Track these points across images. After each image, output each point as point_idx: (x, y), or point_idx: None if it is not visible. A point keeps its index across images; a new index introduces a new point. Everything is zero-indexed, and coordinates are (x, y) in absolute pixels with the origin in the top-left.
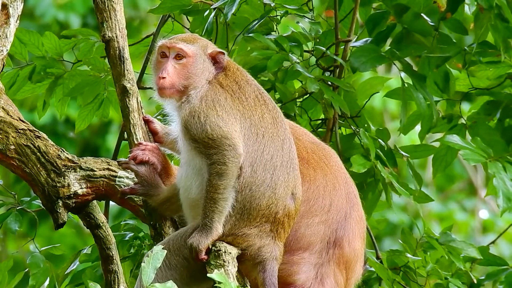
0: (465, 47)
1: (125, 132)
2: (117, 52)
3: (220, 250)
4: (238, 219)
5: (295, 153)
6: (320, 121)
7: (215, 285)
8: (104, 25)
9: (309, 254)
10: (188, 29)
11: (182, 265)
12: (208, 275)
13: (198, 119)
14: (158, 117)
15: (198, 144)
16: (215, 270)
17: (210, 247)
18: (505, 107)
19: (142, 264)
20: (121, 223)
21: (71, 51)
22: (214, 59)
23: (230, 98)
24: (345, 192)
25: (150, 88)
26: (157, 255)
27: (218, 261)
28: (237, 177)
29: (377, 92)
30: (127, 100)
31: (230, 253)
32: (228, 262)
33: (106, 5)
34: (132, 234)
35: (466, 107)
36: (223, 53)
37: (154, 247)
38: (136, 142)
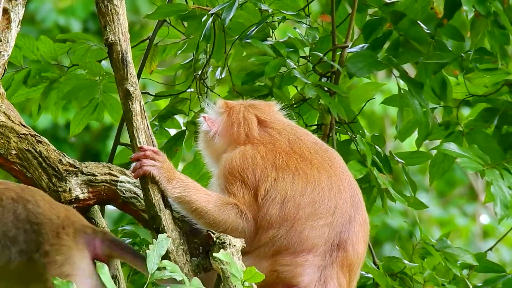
0: (462, 54)
1: (128, 136)
2: (120, 55)
3: (224, 243)
4: None
5: None
6: (315, 127)
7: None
8: (107, 29)
9: (313, 256)
10: (183, 33)
11: None
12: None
13: None
14: (153, 122)
15: None
16: (219, 263)
17: (214, 239)
18: (502, 114)
19: (147, 251)
20: (118, 228)
21: (66, 55)
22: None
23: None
24: (350, 195)
25: (146, 93)
26: (161, 243)
27: None
28: None
29: (373, 98)
30: (130, 103)
31: (235, 245)
32: (233, 255)
33: (109, 9)
34: (129, 239)
35: (465, 113)
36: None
37: (159, 235)
38: (138, 145)
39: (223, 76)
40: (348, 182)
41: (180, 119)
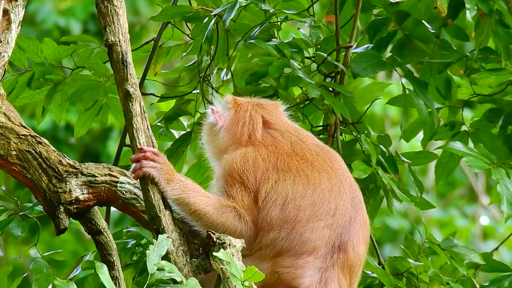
0: (467, 53)
1: (128, 137)
2: (120, 56)
3: (224, 243)
4: None
5: None
6: (321, 127)
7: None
8: (107, 30)
9: (314, 258)
10: (188, 36)
11: None
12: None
13: None
14: (158, 124)
15: None
16: (219, 263)
17: (214, 239)
18: (507, 114)
19: (147, 251)
20: (123, 230)
21: (70, 57)
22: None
23: None
24: (350, 196)
25: (151, 94)
26: (162, 243)
27: None
28: None
29: (378, 99)
30: (130, 104)
31: (235, 246)
32: (233, 255)
33: (109, 10)
34: (134, 241)
35: (468, 115)
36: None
37: (159, 235)
38: (138, 146)
39: (228, 77)
40: (348, 183)
41: (185, 121)
